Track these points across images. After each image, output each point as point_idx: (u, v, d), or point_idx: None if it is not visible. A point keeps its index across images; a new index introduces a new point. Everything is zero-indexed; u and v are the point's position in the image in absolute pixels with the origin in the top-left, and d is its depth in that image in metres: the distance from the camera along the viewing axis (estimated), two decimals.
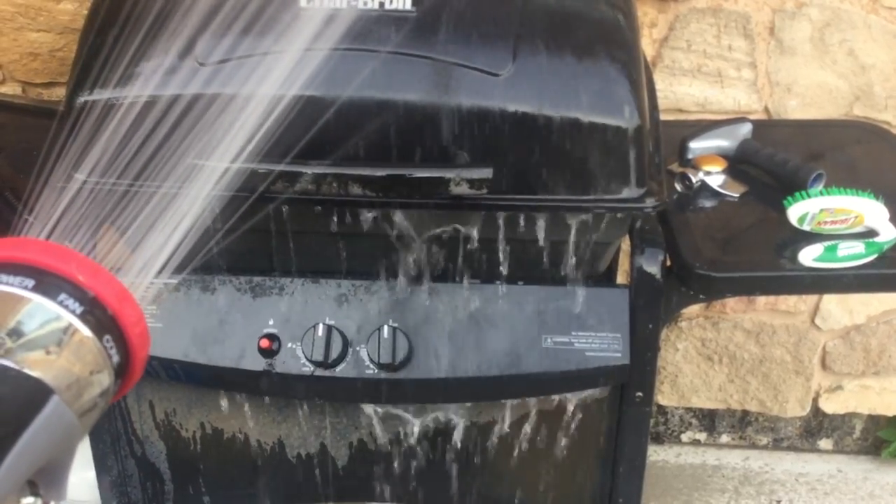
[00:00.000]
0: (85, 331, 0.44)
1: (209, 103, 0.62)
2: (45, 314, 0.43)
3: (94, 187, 0.51)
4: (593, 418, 1.04)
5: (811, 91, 1.43)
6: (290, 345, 0.95)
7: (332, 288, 0.96)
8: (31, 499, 0.43)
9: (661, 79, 1.41)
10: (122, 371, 0.46)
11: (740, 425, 1.79)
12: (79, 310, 0.44)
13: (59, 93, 1.45)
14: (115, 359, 0.45)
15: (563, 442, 1.05)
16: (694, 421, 1.80)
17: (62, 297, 0.43)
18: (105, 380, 0.45)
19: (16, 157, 1.14)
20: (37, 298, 0.43)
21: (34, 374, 0.41)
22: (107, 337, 0.44)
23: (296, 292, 0.96)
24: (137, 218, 0.54)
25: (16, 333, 0.42)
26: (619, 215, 0.87)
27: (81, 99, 0.83)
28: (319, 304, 0.96)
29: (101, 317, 0.44)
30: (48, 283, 0.44)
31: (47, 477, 0.43)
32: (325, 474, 1.09)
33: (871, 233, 0.95)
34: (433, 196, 0.84)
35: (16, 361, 0.41)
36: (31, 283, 0.43)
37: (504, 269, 0.94)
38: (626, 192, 0.86)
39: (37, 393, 0.41)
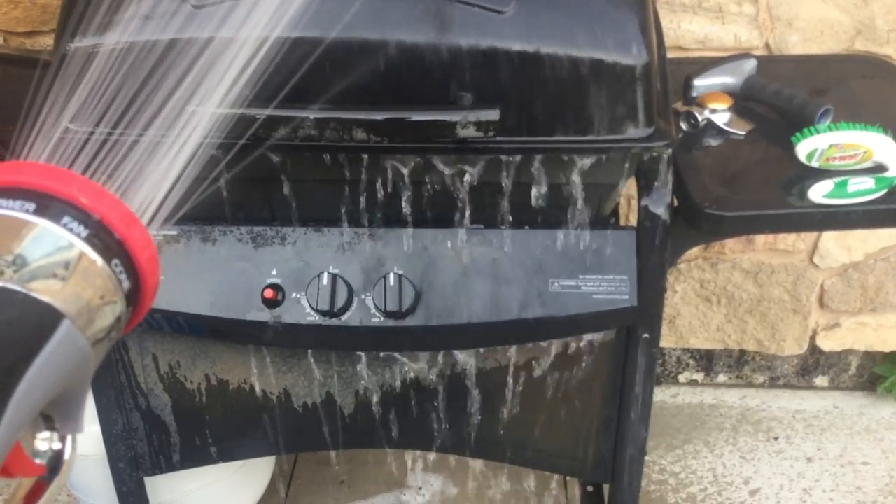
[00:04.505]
0: (92, 254, 0.41)
1: (204, 46, 0.60)
2: (49, 238, 0.41)
3: (91, 137, 0.49)
4: (600, 360, 1.04)
5: (812, 26, 1.40)
6: (294, 295, 0.94)
7: (335, 236, 0.95)
8: (46, 433, 0.42)
9: (662, 15, 1.37)
10: (133, 298, 0.44)
11: (737, 365, 1.80)
12: (84, 233, 0.41)
13: (43, 42, 1.40)
14: (126, 284, 0.43)
15: (571, 384, 1.05)
16: (691, 362, 1.81)
17: (66, 220, 0.41)
18: (118, 308, 0.43)
19: (4, 109, 1.11)
20: (40, 222, 0.41)
21: (43, 298, 0.39)
22: (115, 261, 0.42)
23: (298, 241, 0.95)
24: (134, 168, 0.51)
25: (20, 258, 0.40)
26: (629, 154, 0.86)
27: (72, 45, 0.80)
28: (323, 253, 0.94)
29: (107, 240, 0.42)
30: (50, 206, 0.41)
31: (62, 409, 0.42)
32: (333, 422, 1.09)
33: (879, 167, 0.94)
34: (439, 140, 0.82)
35: (23, 286, 0.39)
36: (31, 206, 0.41)
37: (510, 214, 0.92)
38: (636, 132, 0.85)
39: (47, 317, 0.39)
